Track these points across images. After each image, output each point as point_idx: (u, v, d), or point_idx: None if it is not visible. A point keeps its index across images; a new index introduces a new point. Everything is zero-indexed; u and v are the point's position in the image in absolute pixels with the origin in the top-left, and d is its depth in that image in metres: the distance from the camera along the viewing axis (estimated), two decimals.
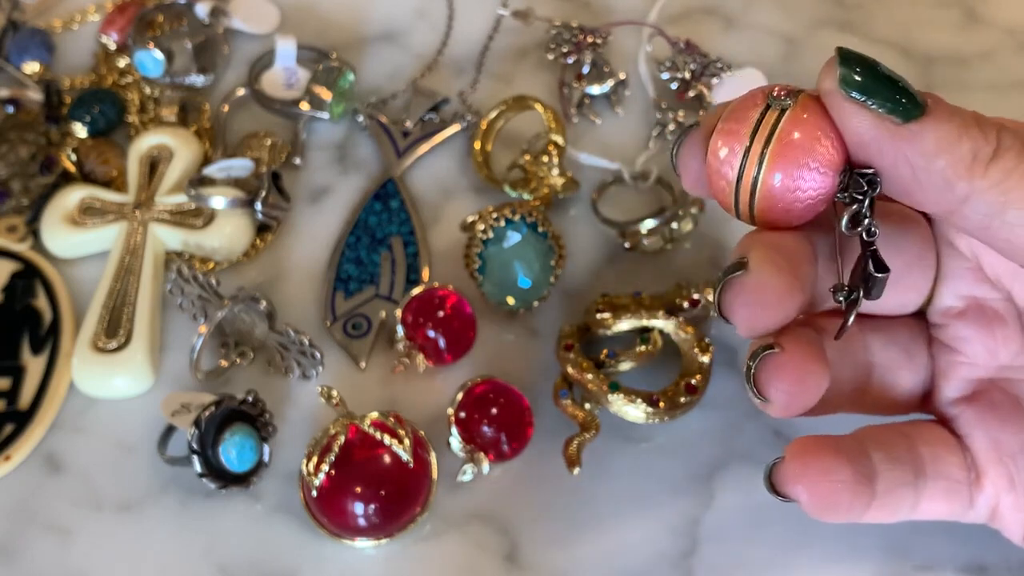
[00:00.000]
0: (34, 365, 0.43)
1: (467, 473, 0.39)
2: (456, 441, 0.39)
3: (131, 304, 0.43)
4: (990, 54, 0.51)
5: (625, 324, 0.42)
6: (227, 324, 0.43)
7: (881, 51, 0.51)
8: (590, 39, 0.51)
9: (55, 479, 0.41)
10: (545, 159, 0.46)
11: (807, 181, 0.29)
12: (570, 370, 0.40)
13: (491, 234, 0.43)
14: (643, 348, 0.41)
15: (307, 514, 0.39)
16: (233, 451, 0.38)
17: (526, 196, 0.45)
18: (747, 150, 0.29)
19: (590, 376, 0.40)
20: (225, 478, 0.39)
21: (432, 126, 0.49)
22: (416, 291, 0.42)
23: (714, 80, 0.49)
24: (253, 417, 0.40)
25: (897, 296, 0.35)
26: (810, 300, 0.31)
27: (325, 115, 0.49)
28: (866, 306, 0.31)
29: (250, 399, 0.40)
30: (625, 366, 0.41)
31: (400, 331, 0.42)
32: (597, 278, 0.45)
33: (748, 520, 0.39)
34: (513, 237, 0.43)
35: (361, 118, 0.50)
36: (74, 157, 0.48)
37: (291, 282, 0.45)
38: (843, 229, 0.29)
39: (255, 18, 0.53)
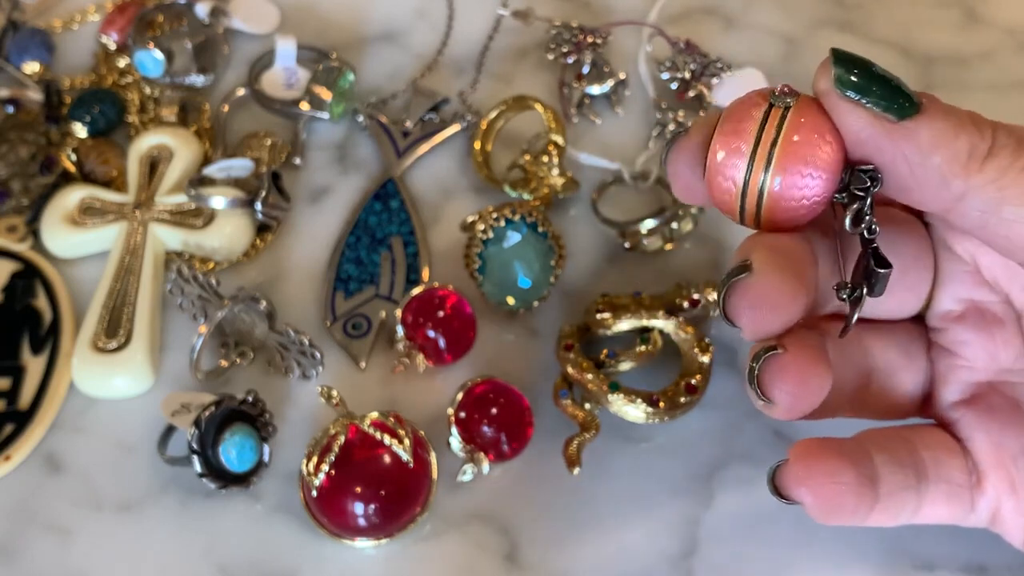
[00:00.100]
0: (34, 365, 0.43)
1: (467, 473, 0.39)
2: (456, 441, 0.39)
3: (131, 304, 0.43)
4: (990, 54, 0.51)
5: (625, 324, 0.42)
6: (227, 324, 0.43)
7: (881, 51, 0.51)
8: (590, 39, 0.51)
9: (55, 479, 0.41)
10: (545, 159, 0.46)
11: (812, 182, 0.29)
12: (570, 370, 0.40)
13: (491, 234, 0.43)
14: (643, 348, 0.41)
15: (307, 514, 0.39)
16: (233, 451, 0.38)
17: (526, 196, 0.45)
18: (752, 154, 0.29)
19: (590, 376, 0.40)
20: (225, 478, 0.39)
21: (432, 126, 0.49)
22: (416, 291, 0.42)
23: (714, 80, 0.49)
24: (253, 417, 0.40)
25: (895, 299, 0.35)
26: (813, 302, 0.31)
27: (325, 115, 0.49)
28: (866, 310, 0.30)
29: (250, 399, 0.40)
30: (625, 366, 0.41)
31: (400, 331, 0.42)
32: (597, 278, 0.45)
33: (748, 520, 0.39)
34: (513, 237, 0.43)
35: (361, 118, 0.50)
36: (74, 157, 0.48)
37: (291, 282, 0.45)
38: (846, 227, 0.29)
39: (255, 18, 0.53)
